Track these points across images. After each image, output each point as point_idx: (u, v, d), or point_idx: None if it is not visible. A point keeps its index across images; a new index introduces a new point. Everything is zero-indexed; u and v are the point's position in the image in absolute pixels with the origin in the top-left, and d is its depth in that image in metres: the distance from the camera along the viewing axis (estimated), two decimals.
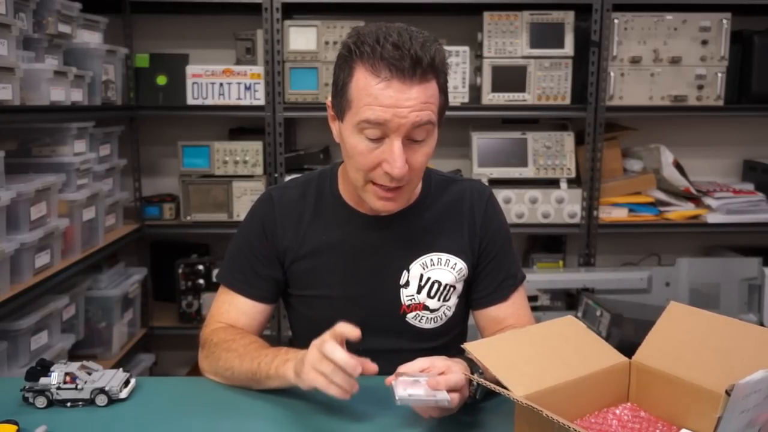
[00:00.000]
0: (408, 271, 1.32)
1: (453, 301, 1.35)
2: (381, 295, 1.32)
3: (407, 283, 1.32)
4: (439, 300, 1.33)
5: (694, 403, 0.99)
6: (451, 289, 1.34)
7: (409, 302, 1.33)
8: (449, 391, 1.03)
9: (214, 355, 1.27)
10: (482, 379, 1.05)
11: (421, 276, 1.32)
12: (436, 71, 1.15)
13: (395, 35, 1.12)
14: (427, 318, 1.34)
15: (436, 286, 1.33)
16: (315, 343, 1.06)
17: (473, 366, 1.11)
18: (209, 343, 1.30)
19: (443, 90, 1.19)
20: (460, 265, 1.34)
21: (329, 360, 1.02)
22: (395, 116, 1.12)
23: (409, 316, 1.33)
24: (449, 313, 1.35)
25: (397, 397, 1.01)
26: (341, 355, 1.02)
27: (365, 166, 1.18)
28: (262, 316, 1.37)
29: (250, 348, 1.23)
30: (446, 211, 1.36)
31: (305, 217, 1.35)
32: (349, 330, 1.04)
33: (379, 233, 1.33)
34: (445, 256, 1.33)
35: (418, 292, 1.32)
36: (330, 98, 1.25)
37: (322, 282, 1.34)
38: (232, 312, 1.36)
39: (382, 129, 1.14)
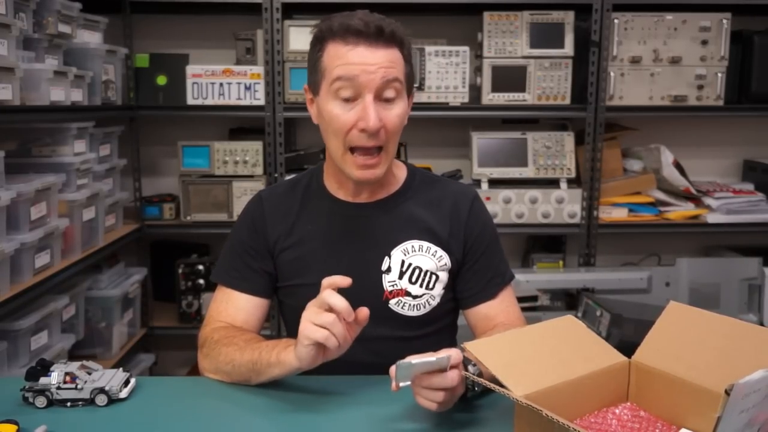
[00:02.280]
0: (389, 257, 1.35)
1: (438, 290, 1.37)
2: (364, 281, 1.33)
3: (389, 269, 1.35)
4: (421, 287, 1.36)
5: (693, 402, 0.99)
6: (433, 276, 1.36)
7: (392, 288, 1.35)
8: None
9: (215, 351, 1.28)
10: (477, 376, 1.06)
11: (403, 262, 1.35)
12: (399, 42, 1.26)
13: (360, 14, 1.25)
14: (410, 305, 1.35)
15: (417, 272, 1.35)
16: (310, 303, 1.11)
17: (466, 360, 1.11)
18: (209, 342, 1.31)
19: (408, 61, 1.30)
20: (441, 254, 1.37)
21: (326, 310, 1.07)
22: (364, 72, 1.22)
23: (392, 302, 1.35)
24: (433, 303, 1.37)
25: (396, 368, 1.01)
26: (338, 300, 1.07)
27: (342, 128, 1.25)
28: (259, 311, 1.40)
29: (251, 341, 1.26)
30: (428, 205, 1.40)
31: (293, 209, 1.40)
32: (339, 279, 1.09)
33: (362, 220, 1.37)
34: (426, 244, 1.37)
35: (400, 277, 1.35)
36: (306, 84, 1.33)
37: (307, 270, 1.37)
38: (230, 309, 1.38)
39: (353, 86, 1.23)
